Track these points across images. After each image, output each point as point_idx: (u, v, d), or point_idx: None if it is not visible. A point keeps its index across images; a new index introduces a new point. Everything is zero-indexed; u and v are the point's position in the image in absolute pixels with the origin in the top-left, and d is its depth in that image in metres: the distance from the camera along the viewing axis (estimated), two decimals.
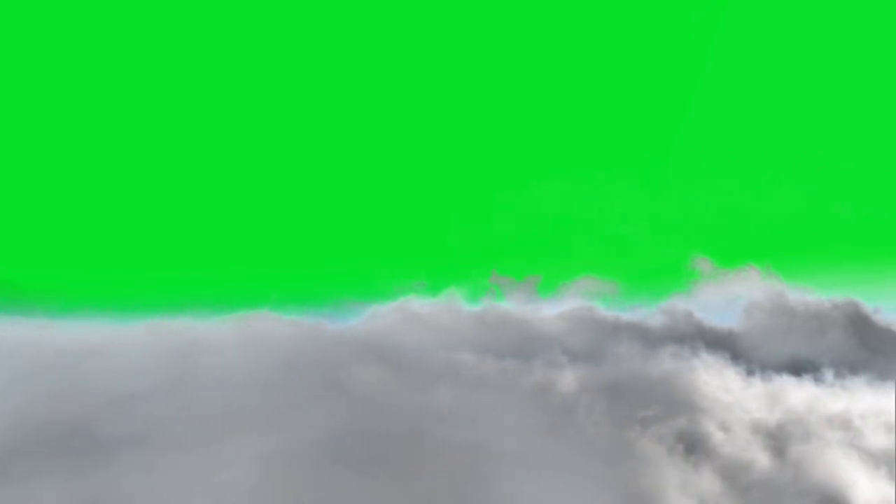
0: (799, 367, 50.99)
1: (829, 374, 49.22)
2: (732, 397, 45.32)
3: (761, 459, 34.84)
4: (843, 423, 41.70)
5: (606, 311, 62.58)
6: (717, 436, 37.55)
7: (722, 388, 47.24)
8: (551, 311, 64.46)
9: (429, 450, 29.82)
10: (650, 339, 55.31)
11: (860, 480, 31.73)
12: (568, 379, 46.10)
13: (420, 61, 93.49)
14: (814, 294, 59.68)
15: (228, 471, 26.37)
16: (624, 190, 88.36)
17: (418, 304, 62.59)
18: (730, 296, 64.40)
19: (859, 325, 54.00)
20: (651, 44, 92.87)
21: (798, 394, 46.80)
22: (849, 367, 50.55)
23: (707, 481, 31.80)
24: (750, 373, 50.78)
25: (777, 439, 38.42)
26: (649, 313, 62.05)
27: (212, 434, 29.77)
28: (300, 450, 28.60)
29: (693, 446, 35.78)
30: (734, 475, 32.98)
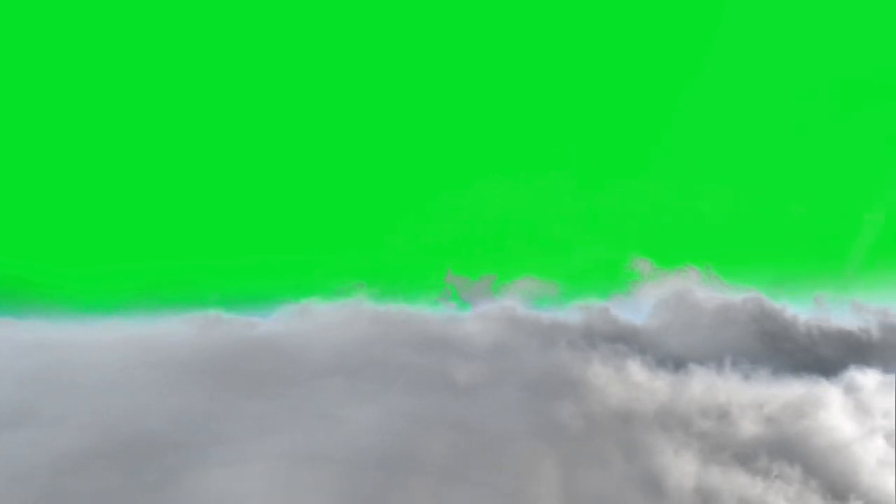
0: (704, 360, 51.08)
1: (727, 368, 49.37)
2: (620, 388, 45.42)
3: (607, 448, 34.92)
4: (721, 413, 41.77)
5: (526, 310, 62.71)
6: (574, 424, 37.70)
7: (616, 379, 47.37)
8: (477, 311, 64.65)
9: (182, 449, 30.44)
10: (556, 335, 55.49)
11: (686, 468, 31.78)
12: (454, 375, 46.43)
13: (364, 58, 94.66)
14: (727, 291, 59.93)
15: None
16: (565, 191, 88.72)
17: (340, 304, 62.83)
18: (664, 295, 64.68)
19: (762, 320, 54.18)
20: (586, 45, 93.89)
21: (693, 385, 46.89)
22: (750, 360, 50.69)
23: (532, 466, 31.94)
24: (659, 365, 50.94)
25: (640, 428, 38.52)
26: (568, 312, 62.23)
27: None
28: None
29: (537, 433, 35.94)
30: (571, 463, 33.07)
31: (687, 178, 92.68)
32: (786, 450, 34.37)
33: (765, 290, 58.72)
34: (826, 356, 53.57)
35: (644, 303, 64.82)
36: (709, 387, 46.04)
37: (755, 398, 42.74)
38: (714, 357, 50.93)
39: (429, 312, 61.45)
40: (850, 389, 45.88)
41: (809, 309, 58.99)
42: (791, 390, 42.24)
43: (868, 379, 47.35)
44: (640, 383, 46.62)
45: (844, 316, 58.10)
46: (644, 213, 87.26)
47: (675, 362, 50.61)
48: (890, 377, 47.83)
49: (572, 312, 62.41)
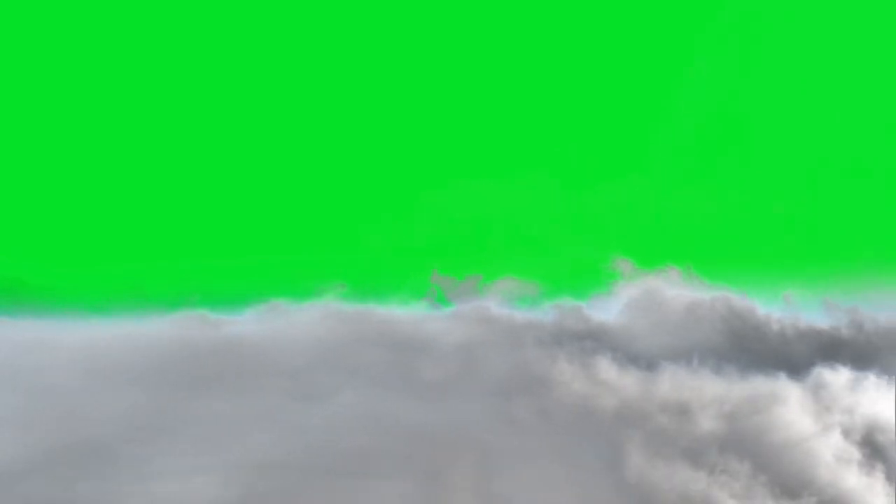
0: (672, 358, 50.95)
1: (695, 366, 49.29)
2: (583, 386, 45.40)
3: (559, 444, 34.90)
4: (680, 410, 41.68)
5: (501, 309, 62.68)
6: (532, 421, 37.72)
7: (581, 377, 47.31)
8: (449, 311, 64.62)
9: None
10: (527, 334, 55.49)
11: (632, 463, 31.80)
12: (420, 375, 46.64)
13: (345, 57, 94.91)
14: (704, 290, 59.84)
15: None
16: (548, 192, 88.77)
17: (315, 304, 62.74)
18: (637, 294, 64.64)
19: (732, 319, 54.14)
20: (567, 47, 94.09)
21: (657, 383, 46.80)
22: (719, 358, 50.62)
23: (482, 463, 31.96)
24: (627, 363, 50.85)
25: (598, 425, 38.46)
26: (542, 311, 62.19)
27: None
28: None
29: (494, 431, 35.99)
30: (520, 460, 33.06)
31: (669, 179, 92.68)
32: (736, 445, 34.28)
33: (746, 290, 58.68)
34: (796, 354, 53.48)
35: (622, 302, 64.87)
36: (673, 384, 45.98)
37: (716, 395, 42.66)
38: (683, 355, 50.87)
39: (402, 312, 61.43)
40: (817, 387, 45.78)
41: (785, 307, 58.93)
42: (753, 387, 42.14)
43: (839, 376, 47.23)
44: (605, 381, 46.57)
45: (816, 314, 58.02)
46: (627, 213, 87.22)
47: (644, 360, 50.52)
48: (858, 374, 47.80)
49: (546, 312, 62.41)
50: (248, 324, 56.60)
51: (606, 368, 48.78)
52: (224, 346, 49.25)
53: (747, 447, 34.34)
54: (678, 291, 56.66)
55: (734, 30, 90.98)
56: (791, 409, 39.20)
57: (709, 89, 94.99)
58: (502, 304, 65.36)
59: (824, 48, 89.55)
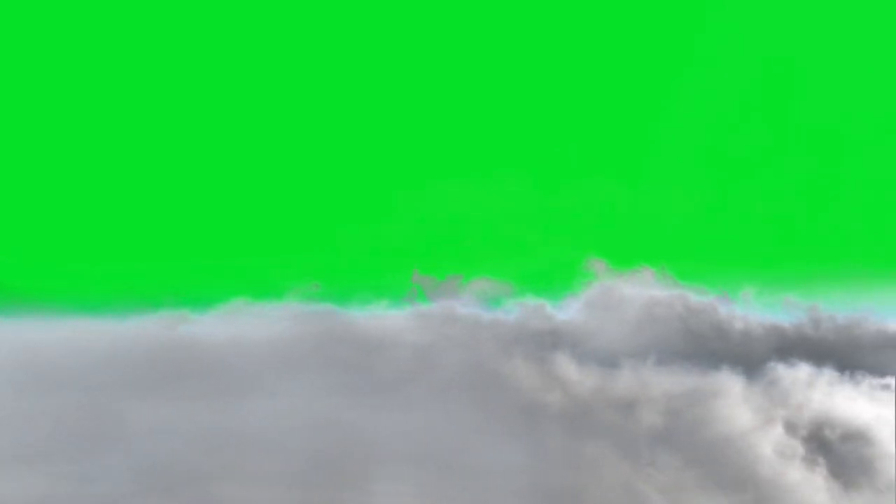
0: (630, 357, 51.04)
1: (651, 364, 49.43)
2: (536, 383, 45.61)
3: (496, 442, 35.05)
4: (624, 406, 41.82)
5: (465, 309, 62.77)
6: (470, 417, 37.89)
7: (534, 375, 47.48)
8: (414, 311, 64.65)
9: None
10: (487, 333, 55.67)
11: (568, 453, 31.92)
12: (372, 375, 46.89)
13: (321, 56, 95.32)
14: (673, 290, 59.95)
15: None
16: (523, 192, 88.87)
17: (282, 305, 62.91)
18: (603, 294, 64.81)
19: (691, 318, 54.24)
20: (541, 47, 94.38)
21: (611, 381, 46.93)
22: (678, 356, 50.74)
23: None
24: (584, 362, 50.98)
25: (540, 423, 38.61)
26: (507, 310, 62.27)
27: None
28: None
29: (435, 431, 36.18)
30: (451, 460, 33.18)
31: (644, 179, 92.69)
32: (670, 439, 34.38)
33: (720, 290, 58.78)
34: (754, 351, 53.60)
35: (591, 302, 65.03)
36: (625, 381, 46.15)
37: (662, 391, 42.80)
38: (641, 353, 51.00)
39: (366, 313, 61.42)
40: (769, 383, 45.90)
41: (750, 305, 59.05)
42: (694, 382, 42.29)
43: (796, 372, 47.37)
44: (560, 378, 46.75)
45: (780, 312, 58.23)
46: (603, 213, 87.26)
47: (602, 358, 50.69)
48: (815, 370, 47.98)
49: (511, 311, 62.51)
50: (211, 324, 56.73)
51: (563, 366, 48.93)
52: (181, 347, 49.48)
53: (681, 441, 34.41)
54: (638, 290, 56.76)
55: (708, 31, 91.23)
56: (731, 403, 39.26)
57: (686, 91, 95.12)
58: (475, 304, 65.53)
59: (795, 46, 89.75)
